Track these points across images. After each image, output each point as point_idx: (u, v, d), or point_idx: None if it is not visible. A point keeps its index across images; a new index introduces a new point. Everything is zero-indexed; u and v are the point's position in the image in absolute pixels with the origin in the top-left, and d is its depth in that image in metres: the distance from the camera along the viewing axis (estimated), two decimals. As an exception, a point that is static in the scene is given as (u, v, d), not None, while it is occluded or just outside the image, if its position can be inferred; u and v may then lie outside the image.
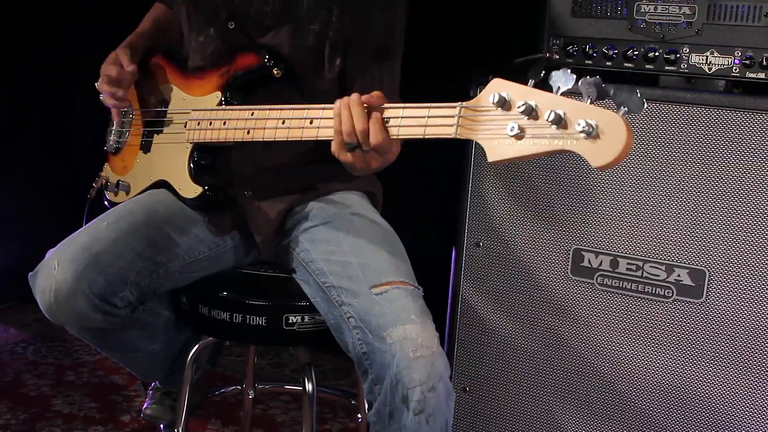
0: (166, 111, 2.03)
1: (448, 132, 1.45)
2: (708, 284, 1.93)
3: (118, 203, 2.08)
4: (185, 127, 1.93)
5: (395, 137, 1.53)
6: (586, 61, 2.02)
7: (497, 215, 2.12)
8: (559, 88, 1.32)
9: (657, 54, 1.95)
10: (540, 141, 1.31)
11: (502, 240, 2.11)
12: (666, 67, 1.95)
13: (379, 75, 1.92)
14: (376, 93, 1.55)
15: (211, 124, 1.87)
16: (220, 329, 1.94)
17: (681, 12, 1.93)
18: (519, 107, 1.33)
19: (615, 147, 1.25)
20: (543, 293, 2.09)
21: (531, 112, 1.33)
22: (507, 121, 1.35)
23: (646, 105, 1.28)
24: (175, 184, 1.97)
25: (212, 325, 1.93)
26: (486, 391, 2.18)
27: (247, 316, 1.89)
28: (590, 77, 1.30)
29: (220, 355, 3.05)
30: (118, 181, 2.13)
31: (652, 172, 1.95)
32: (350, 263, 1.78)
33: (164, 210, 1.95)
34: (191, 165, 1.93)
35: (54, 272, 1.75)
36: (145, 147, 2.08)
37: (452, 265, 2.18)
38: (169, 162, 1.99)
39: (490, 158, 1.37)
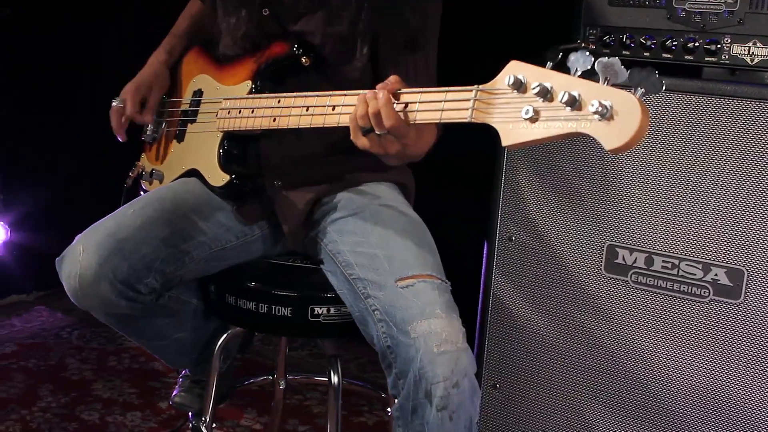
0: (200, 101, 2.05)
1: (463, 116, 1.41)
2: (747, 285, 1.85)
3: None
4: (216, 116, 1.94)
5: (413, 122, 1.51)
6: (624, 52, 1.95)
7: (530, 209, 2.07)
8: (576, 69, 1.28)
9: (697, 44, 1.88)
10: (554, 124, 1.27)
11: (535, 234, 2.07)
12: (706, 58, 1.88)
13: (413, 64, 1.89)
14: (391, 78, 1.53)
15: (240, 112, 1.88)
16: (246, 319, 1.93)
17: (722, 1, 1.85)
18: (534, 89, 1.29)
19: (629, 129, 1.19)
20: (576, 290, 2.03)
21: (546, 94, 1.28)
22: (522, 103, 1.31)
23: (664, 86, 1.23)
24: (205, 172, 1.97)
25: (238, 314, 1.93)
26: (516, 388, 2.13)
27: (273, 307, 1.88)
28: (608, 58, 1.25)
29: (252, 344, 3.06)
30: (153, 170, 2.15)
31: (691, 166, 1.89)
32: (377, 255, 1.76)
33: (192, 198, 1.95)
34: (220, 153, 1.94)
35: (79, 258, 1.77)
36: (179, 136, 2.09)
37: (484, 259, 2.14)
38: (200, 151, 1.99)
39: (504, 142, 1.33)
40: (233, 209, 1.95)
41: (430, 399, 1.60)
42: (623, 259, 1.97)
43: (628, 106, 1.19)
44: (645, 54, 1.93)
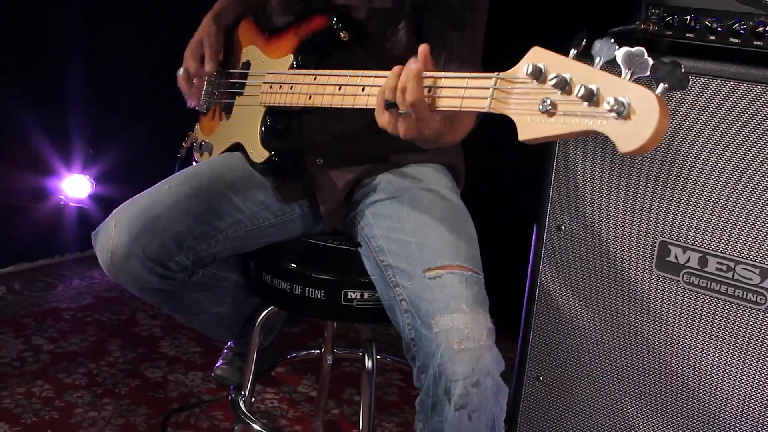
0: (247, 74, 2.02)
1: (482, 105, 1.34)
2: (806, 294, 1.71)
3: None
4: (260, 90, 1.91)
5: (437, 107, 1.44)
6: (687, 35, 1.80)
7: (582, 199, 1.96)
8: (600, 59, 1.18)
9: (768, 30, 1.72)
10: (571, 119, 1.19)
11: (586, 225, 1.96)
12: (778, 45, 1.71)
13: (459, 42, 1.81)
14: (421, 48, 1.46)
15: (280, 87, 1.85)
16: (280, 299, 1.91)
17: (798, -18, 1.68)
18: (551, 80, 1.20)
19: (645, 130, 1.10)
20: (625, 286, 1.92)
21: (564, 86, 1.20)
22: (540, 94, 1.23)
23: (690, 81, 1.12)
24: (248, 147, 1.95)
25: (273, 293, 1.92)
26: (559, 382, 2.05)
27: (307, 288, 1.85)
28: (633, 47, 1.14)
29: (301, 320, 3.07)
30: (203, 141, 2.15)
31: (754, 163, 1.74)
32: (409, 243, 1.71)
33: (231, 174, 1.93)
34: (262, 129, 1.91)
35: (111, 234, 1.78)
36: (227, 109, 2.08)
37: (532, 247, 2.05)
38: (245, 125, 1.98)
39: (521, 136, 1.25)
40: (272, 187, 1.93)
41: (449, 397, 1.55)
42: (676, 257, 1.84)
43: (646, 105, 1.10)
44: (711, 38, 1.78)
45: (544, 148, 2.00)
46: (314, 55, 1.87)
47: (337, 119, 1.89)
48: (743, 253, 1.77)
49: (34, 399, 2.57)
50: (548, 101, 1.20)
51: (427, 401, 1.61)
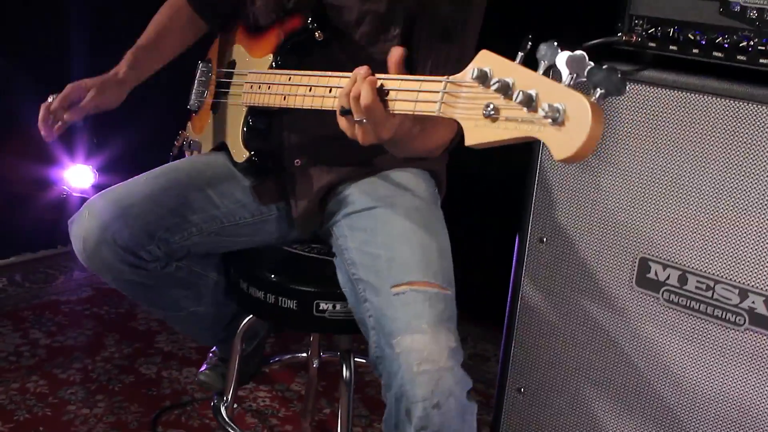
0: (233, 72, 2.01)
1: (433, 109, 1.33)
2: (786, 317, 1.67)
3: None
4: (242, 89, 1.90)
5: (391, 111, 1.43)
6: (671, 47, 1.75)
7: (563, 211, 1.93)
8: (544, 63, 1.17)
9: (752, 44, 1.66)
10: (511, 125, 1.17)
11: (567, 238, 1.93)
12: (761, 60, 1.66)
13: (445, 54, 1.78)
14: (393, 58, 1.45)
15: (260, 87, 1.84)
16: (255, 307, 1.92)
17: (782, -4, 1.63)
18: (493, 85, 1.19)
19: (577, 137, 1.08)
20: (606, 301, 1.89)
21: (506, 91, 1.18)
22: (485, 99, 1.22)
23: (628, 86, 1.10)
24: (231, 146, 1.96)
25: (249, 301, 1.92)
26: (541, 395, 2.03)
27: (280, 298, 1.85)
28: (575, 51, 1.13)
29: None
30: (192, 140, 2.15)
31: (734, 181, 1.69)
32: (380, 256, 1.69)
33: (211, 171, 1.94)
34: (244, 129, 1.92)
35: (84, 221, 1.81)
36: (215, 108, 2.08)
37: (514, 258, 2.02)
38: (229, 124, 1.98)
39: (467, 141, 1.25)
40: (251, 187, 1.92)
41: (410, 418, 1.54)
42: (656, 274, 1.81)
43: (579, 112, 1.08)
44: (694, 51, 1.73)
45: (527, 158, 1.96)
46: (293, 55, 1.86)
47: (318, 120, 1.86)
48: (723, 272, 1.73)
49: (28, 395, 2.59)
50: (491, 106, 1.19)
51: (391, 420, 1.60)
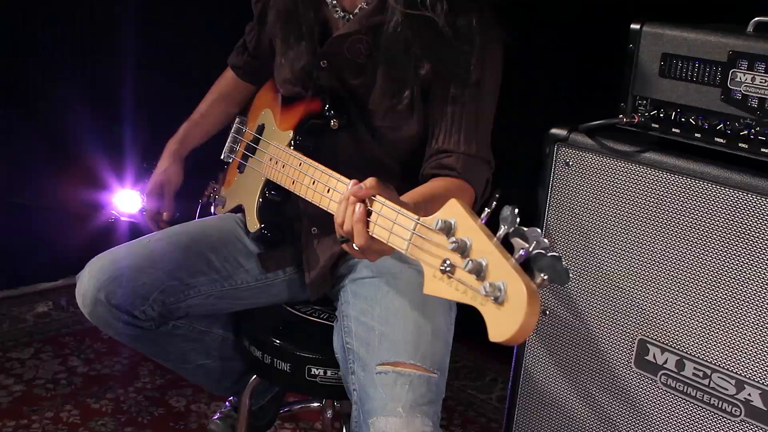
0: (260, 139, 2.04)
1: (402, 246, 1.31)
2: (782, 413, 1.63)
3: (217, 215, 2.15)
4: (264, 159, 1.94)
5: (371, 234, 1.40)
6: (674, 129, 1.72)
7: (566, 286, 1.91)
8: (504, 228, 1.15)
9: (753, 132, 1.62)
10: (461, 288, 1.16)
11: (569, 313, 1.91)
12: (762, 150, 1.62)
13: (459, 116, 1.77)
14: (368, 182, 1.42)
15: (277, 163, 1.86)
16: (254, 365, 1.97)
17: (783, 87, 1.58)
18: (451, 243, 1.17)
19: (510, 325, 1.06)
20: (606, 377, 1.87)
21: (463, 252, 1.16)
22: (445, 253, 1.20)
23: (571, 277, 1.08)
24: (247, 213, 1.99)
25: (249, 358, 1.97)
26: (542, 463, 2.03)
27: (275, 360, 1.90)
28: (528, 228, 1.11)
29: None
30: (218, 195, 2.20)
31: (733, 270, 1.66)
32: (373, 329, 1.71)
33: (218, 235, 1.99)
34: (260, 200, 1.95)
35: (84, 280, 1.88)
36: (241, 168, 2.11)
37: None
38: (249, 189, 2.01)
39: (425, 289, 1.23)
40: (256, 254, 1.96)
41: None
42: (654, 357, 1.78)
43: (516, 298, 1.06)
44: (696, 135, 1.69)
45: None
46: (311, 136, 1.87)
47: None
48: (720, 361, 1.69)
49: (60, 425, 2.69)
50: (448, 262, 1.17)
51: None
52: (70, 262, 3.61)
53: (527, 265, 1.10)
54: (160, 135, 3.70)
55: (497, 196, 1.23)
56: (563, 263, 1.07)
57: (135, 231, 3.69)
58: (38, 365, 3.02)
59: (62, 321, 3.35)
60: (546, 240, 1.10)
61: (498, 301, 1.08)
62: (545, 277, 1.08)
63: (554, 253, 1.08)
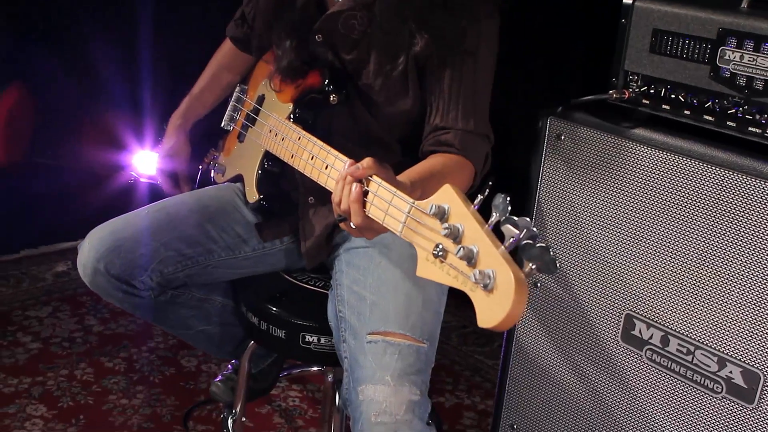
0: (260, 109, 2.06)
1: (397, 228, 1.34)
2: (762, 390, 1.64)
3: (217, 183, 2.18)
4: (263, 130, 1.95)
5: (367, 214, 1.43)
6: (663, 106, 1.72)
7: (558, 259, 1.92)
8: (495, 216, 1.17)
9: (741, 111, 1.61)
10: (452, 273, 1.19)
11: (560, 285, 1.93)
12: (749, 129, 1.61)
13: (456, 92, 1.77)
14: (364, 163, 1.44)
15: (276, 135, 1.88)
16: (252, 331, 2.01)
17: (770, 66, 1.57)
18: (445, 229, 1.20)
19: (498, 311, 1.09)
20: (593, 351, 1.89)
21: (455, 238, 1.19)
22: (438, 238, 1.22)
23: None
24: (246, 183, 2.02)
25: (247, 324, 2.02)
26: (533, 431, 2.06)
27: (270, 326, 1.94)
28: (519, 218, 1.14)
29: None
30: (218, 163, 2.22)
31: (718, 249, 1.66)
32: (365, 299, 1.75)
33: (216, 206, 2.03)
34: (259, 171, 1.97)
35: (84, 251, 1.94)
36: (241, 137, 2.14)
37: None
38: (249, 160, 2.03)
39: (417, 272, 1.26)
40: (254, 224, 1.99)
41: None
42: (640, 332, 1.80)
43: (505, 287, 1.09)
44: (686, 112, 1.69)
45: (524, 203, 1.96)
46: (310, 110, 1.88)
47: None
48: (704, 338, 1.70)
49: (74, 382, 2.77)
50: (440, 247, 1.20)
51: None
52: (89, 222, 3.66)
53: (515, 253, 1.13)
54: (181, 96, 3.74)
55: (490, 183, 1.24)
56: (551, 253, 1.09)
57: (154, 192, 3.76)
58: (55, 323, 3.10)
59: (80, 281, 3.35)
60: (535, 229, 1.13)
61: (487, 288, 1.11)
62: (533, 267, 1.10)
63: (542, 244, 1.11)
